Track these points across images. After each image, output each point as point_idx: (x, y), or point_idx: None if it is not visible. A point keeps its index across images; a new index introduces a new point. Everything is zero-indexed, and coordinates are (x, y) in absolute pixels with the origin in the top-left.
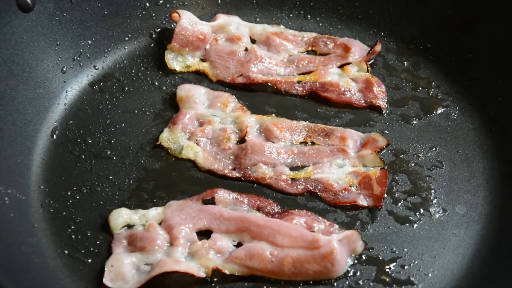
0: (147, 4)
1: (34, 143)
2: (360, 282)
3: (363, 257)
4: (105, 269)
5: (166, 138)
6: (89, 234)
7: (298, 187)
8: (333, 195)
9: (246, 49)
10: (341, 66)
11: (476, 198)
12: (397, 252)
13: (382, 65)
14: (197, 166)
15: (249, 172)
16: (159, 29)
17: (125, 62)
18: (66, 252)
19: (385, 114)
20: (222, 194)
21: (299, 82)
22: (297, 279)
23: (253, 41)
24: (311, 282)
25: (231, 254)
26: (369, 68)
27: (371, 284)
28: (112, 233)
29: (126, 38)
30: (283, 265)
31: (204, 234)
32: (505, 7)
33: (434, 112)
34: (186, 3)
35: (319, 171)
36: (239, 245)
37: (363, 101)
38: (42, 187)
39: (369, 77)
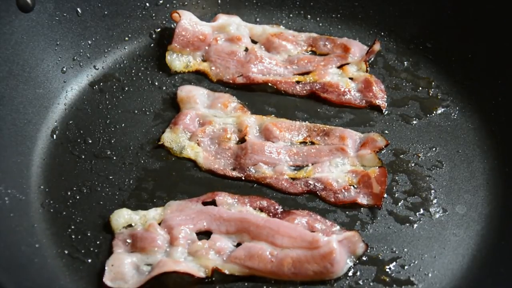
0: (147, 4)
1: (34, 143)
2: (360, 282)
3: (363, 257)
4: (106, 268)
5: (168, 138)
6: (89, 234)
7: (298, 186)
8: (333, 194)
9: (246, 49)
10: (340, 66)
11: (476, 198)
12: (397, 252)
13: (382, 65)
14: (198, 166)
15: (249, 171)
16: (159, 29)
17: (125, 62)
18: (66, 252)
19: (385, 114)
20: (223, 197)
21: (299, 82)
22: (297, 279)
23: (253, 42)
24: (311, 282)
25: (231, 254)
26: (368, 68)
27: (371, 284)
28: (113, 233)
29: (126, 38)
30: (282, 265)
31: (204, 234)
32: (505, 7)
33: (434, 112)
34: (186, 3)
35: (319, 170)
36: (239, 245)
37: (362, 101)
38: (42, 187)
39: (368, 77)
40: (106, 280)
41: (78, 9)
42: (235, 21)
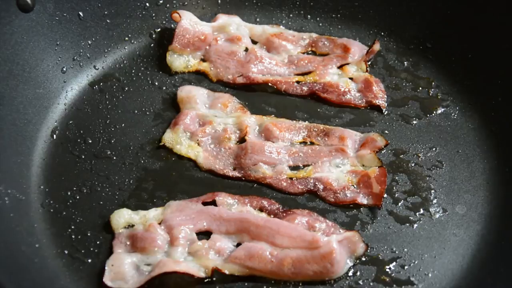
0: (147, 4)
1: (34, 143)
2: (360, 282)
3: (363, 257)
4: (106, 268)
5: (168, 138)
6: (89, 234)
7: (298, 186)
8: (333, 194)
9: (246, 49)
10: (340, 67)
11: (476, 198)
12: (397, 252)
13: (382, 65)
14: (198, 166)
15: (249, 171)
16: (159, 29)
17: (125, 62)
18: (66, 252)
19: (385, 114)
20: (223, 197)
21: (298, 82)
22: (297, 279)
23: (253, 42)
24: (311, 282)
25: (231, 254)
26: (368, 68)
27: (371, 284)
28: (113, 233)
29: (126, 38)
30: (282, 265)
31: (204, 234)
32: (505, 7)
33: (434, 112)
34: (186, 3)
35: (318, 170)
36: (239, 245)
37: (362, 101)
38: (42, 187)
39: (368, 77)
40: (106, 280)
41: (78, 9)
42: (235, 21)
